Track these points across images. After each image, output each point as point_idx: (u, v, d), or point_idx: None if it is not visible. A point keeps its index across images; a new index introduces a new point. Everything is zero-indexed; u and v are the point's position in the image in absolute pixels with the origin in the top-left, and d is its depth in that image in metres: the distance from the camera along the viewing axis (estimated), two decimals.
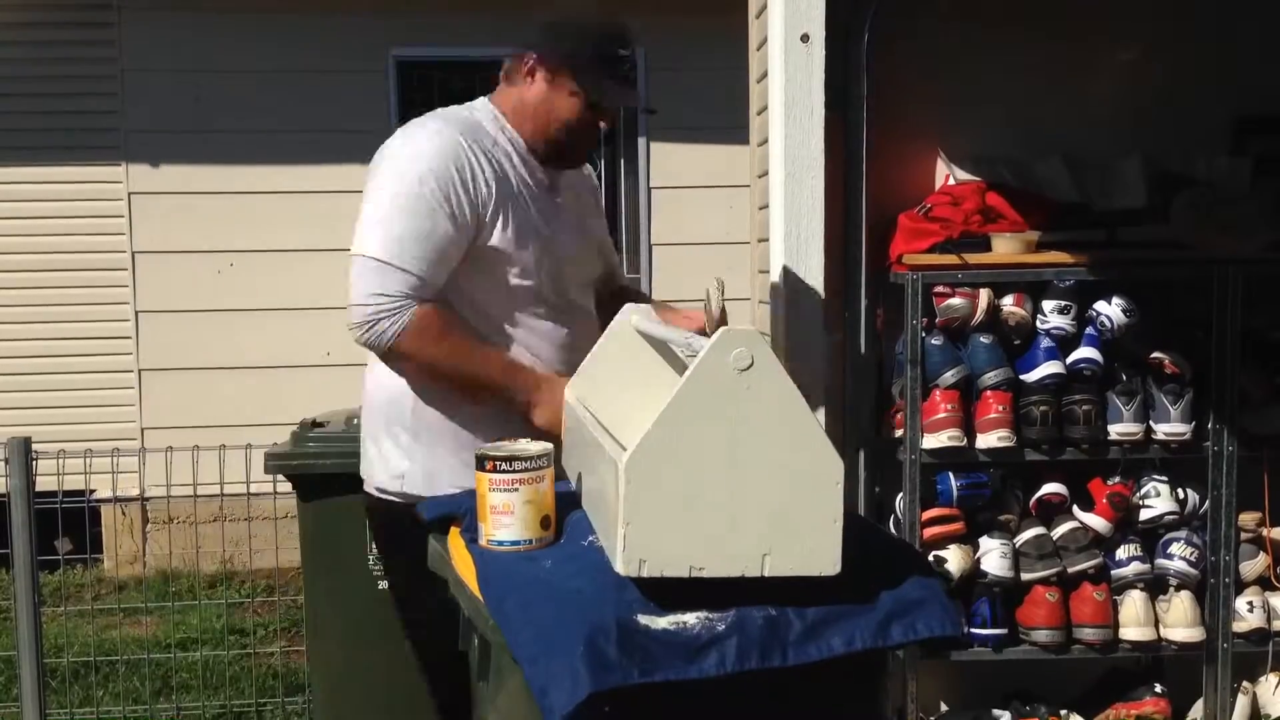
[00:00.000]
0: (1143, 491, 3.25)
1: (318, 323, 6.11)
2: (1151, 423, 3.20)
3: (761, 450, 1.41)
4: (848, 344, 3.29)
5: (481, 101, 2.38)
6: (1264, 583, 3.31)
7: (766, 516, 1.41)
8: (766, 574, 1.42)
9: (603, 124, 2.35)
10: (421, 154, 2.21)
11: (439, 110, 2.36)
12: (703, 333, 1.95)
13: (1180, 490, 3.27)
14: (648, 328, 2.05)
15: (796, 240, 2.87)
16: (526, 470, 1.71)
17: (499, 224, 2.25)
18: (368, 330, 2.17)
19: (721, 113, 5.87)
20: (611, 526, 1.44)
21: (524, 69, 2.32)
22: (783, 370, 1.42)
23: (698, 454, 1.40)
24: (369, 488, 2.44)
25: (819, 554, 1.43)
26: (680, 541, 1.41)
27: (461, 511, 1.89)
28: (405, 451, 2.32)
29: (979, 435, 3.18)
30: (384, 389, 2.34)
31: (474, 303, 2.29)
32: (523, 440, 1.88)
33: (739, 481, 1.41)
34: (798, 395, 1.42)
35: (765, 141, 3.09)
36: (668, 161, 6.46)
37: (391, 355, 2.21)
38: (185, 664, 4.43)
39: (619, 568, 1.40)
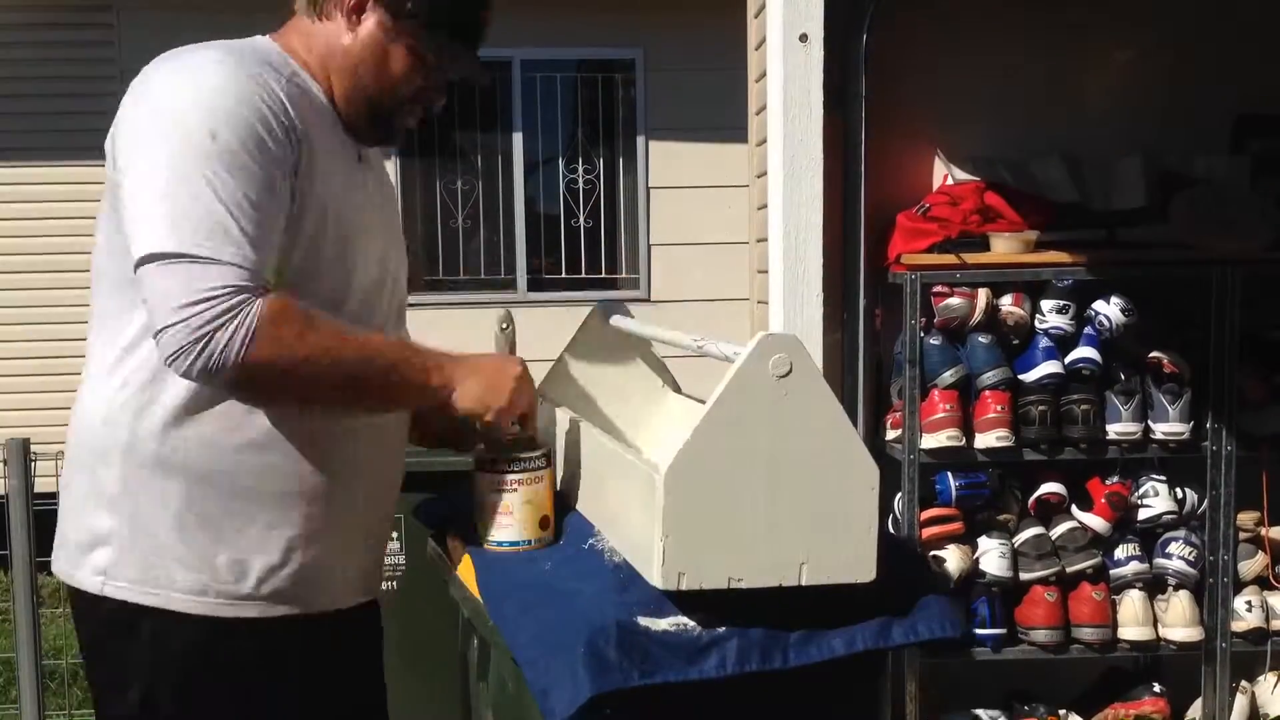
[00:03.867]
0: (1141, 491, 3.25)
1: None
2: (1150, 422, 3.20)
3: (800, 457, 1.38)
4: (846, 344, 3.29)
5: (264, 40, 1.84)
6: (1262, 582, 3.31)
7: (804, 525, 1.38)
8: (804, 583, 1.38)
9: (436, 102, 1.80)
10: (215, 90, 1.66)
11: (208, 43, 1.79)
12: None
13: (1179, 490, 3.26)
14: (642, 328, 2.04)
15: (795, 240, 2.88)
16: (526, 470, 1.70)
17: (309, 204, 1.65)
18: (200, 349, 1.50)
19: (720, 113, 5.89)
20: (645, 539, 1.40)
21: (347, 3, 1.72)
22: (821, 376, 1.39)
23: (736, 463, 1.37)
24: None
25: (856, 561, 1.40)
26: (718, 553, 1.38)
27: (460, 512, 1.89)
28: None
29: (978, 435, 3.18)
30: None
31: None
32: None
33: (777, 490, 1.38)
34: (835, 401, 1.39)
35: (764, 141, 3.09)
36: (666, 161, 6.46)
37: (245, 372, 1.52)
38: None
39: (656, 582, 1.37)
